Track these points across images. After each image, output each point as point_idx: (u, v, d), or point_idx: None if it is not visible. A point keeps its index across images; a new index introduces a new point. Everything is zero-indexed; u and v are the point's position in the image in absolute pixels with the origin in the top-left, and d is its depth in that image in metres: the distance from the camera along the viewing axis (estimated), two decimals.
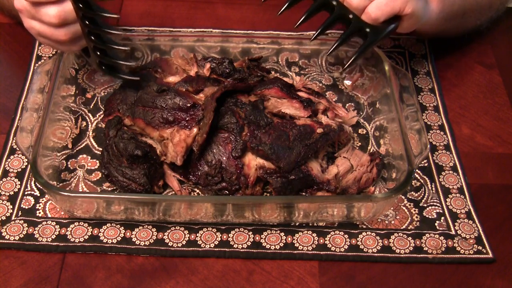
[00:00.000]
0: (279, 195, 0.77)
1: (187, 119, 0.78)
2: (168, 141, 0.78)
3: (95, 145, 0.85)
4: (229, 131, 0.78)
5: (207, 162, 0.78)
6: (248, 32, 1.00)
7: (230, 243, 0.76)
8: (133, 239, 0.76)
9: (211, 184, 0.78)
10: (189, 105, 0.78)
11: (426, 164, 0.85)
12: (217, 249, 0.76)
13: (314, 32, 0.77)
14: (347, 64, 0.78)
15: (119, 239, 0.76)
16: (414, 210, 0.81)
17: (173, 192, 0.80)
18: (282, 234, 0.77)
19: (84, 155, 0.84)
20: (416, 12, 0.77)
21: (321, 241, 0.77)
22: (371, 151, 0.86)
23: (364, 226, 0.79)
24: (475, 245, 0.77)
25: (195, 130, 0.77)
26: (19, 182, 0.81)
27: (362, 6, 0.76)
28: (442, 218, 0.80)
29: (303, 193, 0.79)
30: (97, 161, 0.83)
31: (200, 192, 0.81)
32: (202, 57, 0.91)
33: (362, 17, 0.76)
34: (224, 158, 0.77)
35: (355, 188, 0.79)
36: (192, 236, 0.77)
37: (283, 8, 0.78)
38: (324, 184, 0.78)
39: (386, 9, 0.75)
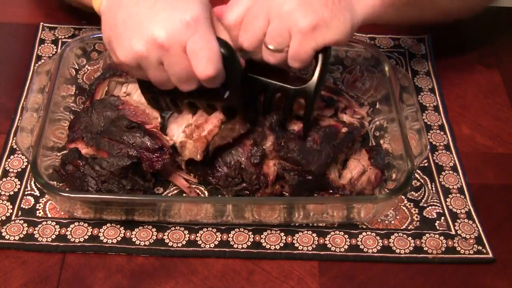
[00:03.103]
0: (294, 192, 0.77)
1: (152, 160, 0.76)
2: (187, 140, 0.77)
3: None
4: (248, 137, 0.77)
5: (226, 163, 0.77)
6: None
7: (230, 243, 0.76)
8: (133, 239, 0.76)
9: (231, 185, 0.77)
10: (156, 147, 0.76)
11: (426, 164, 0.85)
12: (217, 249, 0.76)
13: None
14: (304, 131, 0.77)
15: (119, 239, 0.76)
16: (414, 210, 0.81)
17: (174, 193, 0.80)
18: (282, 234, 0.77)
19: None
20: (337, 35, 0.70)
21: (321, 241, 0.77)
22: None
23: (364, 226, 0.79)
24: (475, 245, 0.77)
25: (216, 129, 0.76)
26: (19, 182, 0.81)
27: (279, 61, 0.72)
28: (442, 218, 0.80)
29: (316, 194, 0.79)
30: None
31: (206, 192, 0.81)
32: None
33: (294, 66, 0.73)
34: (244, 159, 0.76)
35: (370, 188, 0.79)
36: (192, 236, 0.77)
37: None
38: (339, 189, 0.78)
39: (304, 56, 0.71)
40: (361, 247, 0.77)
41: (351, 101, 0.87)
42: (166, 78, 0.69)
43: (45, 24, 1.01)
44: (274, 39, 0.70)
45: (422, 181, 0.84)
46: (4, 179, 0.81)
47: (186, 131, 0.77)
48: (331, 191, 0.78)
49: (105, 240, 0.76)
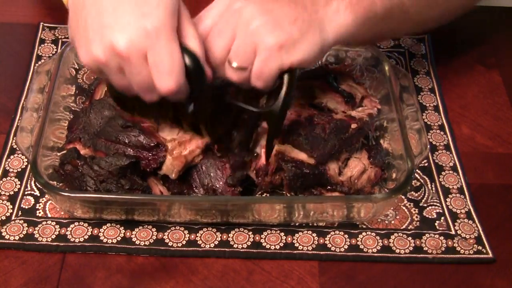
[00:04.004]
0: (290, 184, 0.77)
1: (149, 158, 0.76)
2: (166, 154, 0.77)
3: None
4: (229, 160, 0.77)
5: (203, 185, 0.77)
6: None
7: (230, 243, 0.76)
8: (133, 239, 0.76)
9: None
10: (152, 144, 0.76)
11: (426, 164, 0.85)
12: (217, 249, 0.76)
13: None
14: (267, 155, 0.76)
15: (119, 239, 0.76)
16: (414, 210, 0.81)
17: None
18: (282, 234, 0.77)
19: None
20: (304, 55, 0.68)
21: (321, 241, 0.77)
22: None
23: (364, 226, 0.79)
24: (475, 245, 0.77)
25: (198, 150, 0.76)
26: (19, 182, 0.81)
27: (242, 80, 0.69)
28: (442, 218, 0.80)
29: (314, 191, 0.79)
30: None
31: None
32: None
33: (257, 86, 0.70)
34: (221, 183, 0.76)
35: (369, 187, 0.79)
36: (192, 236, 0.77)
37: None
38: (337, 186, 0.78)
39: (268, 75, 0.67)
40: (361, 247, 0.77)
41: (368, 92, 0.87)
42: (128, 85, 0.67)
43: (45, 24, 1.01)
44: (239, 56, 0.67)
45: (422, 181, 0.84)
46: (4, 179, 0.81)
47: (168, 146, 0.76)
48: (329, 187, 0.78)
49: (105, 240, 0.76)
